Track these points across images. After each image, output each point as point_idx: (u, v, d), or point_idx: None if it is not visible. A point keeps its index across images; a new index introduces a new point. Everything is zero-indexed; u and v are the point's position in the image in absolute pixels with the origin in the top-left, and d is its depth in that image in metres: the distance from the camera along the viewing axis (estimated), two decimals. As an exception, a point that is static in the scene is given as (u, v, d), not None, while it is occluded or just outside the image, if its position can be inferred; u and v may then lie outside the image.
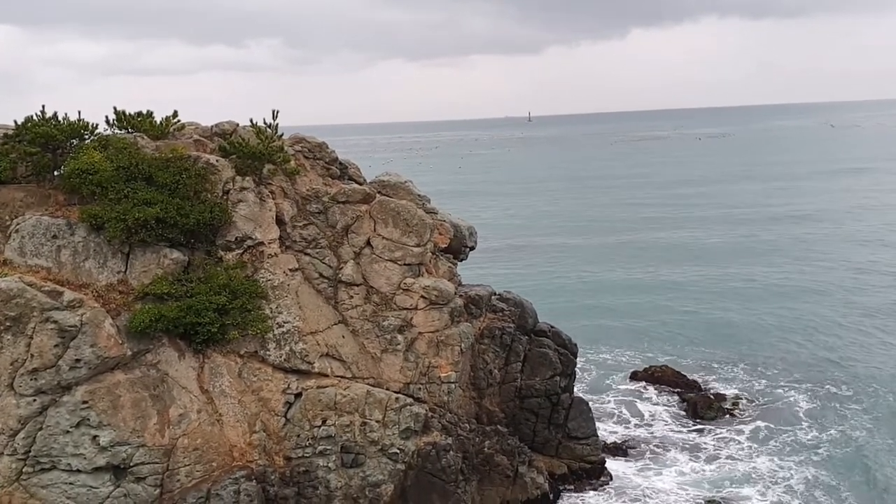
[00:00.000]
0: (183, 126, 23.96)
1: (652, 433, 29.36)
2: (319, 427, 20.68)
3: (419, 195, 26.31)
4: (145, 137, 22.31)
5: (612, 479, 25.71)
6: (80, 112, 21.84)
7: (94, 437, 18.28)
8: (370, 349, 22.37)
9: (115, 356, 18.83)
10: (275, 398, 20.71)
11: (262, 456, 20.17)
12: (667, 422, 30.30)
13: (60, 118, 21.33)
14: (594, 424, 27.10)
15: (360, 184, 26.06)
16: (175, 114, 23.72)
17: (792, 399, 32.15)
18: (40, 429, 18.17)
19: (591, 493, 24.83)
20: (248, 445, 20.08)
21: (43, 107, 21.30)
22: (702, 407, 31.13)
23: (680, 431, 29.44)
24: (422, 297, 22.74)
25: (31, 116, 21.20)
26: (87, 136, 21.52)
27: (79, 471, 18.22)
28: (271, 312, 21.08)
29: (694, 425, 29.96)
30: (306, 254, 22.52)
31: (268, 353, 20.91)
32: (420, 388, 22.52)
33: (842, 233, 64.82)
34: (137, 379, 19.00)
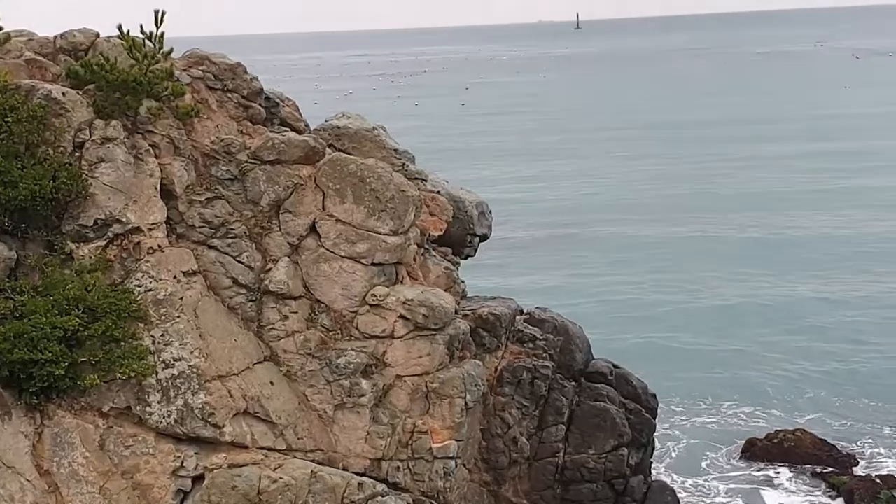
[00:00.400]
0: (7, 37, 23.78)
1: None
2: (233, 532, 20.58)
3: (396, 150, 26.15)
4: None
5: None
6: None
7: None
8: (316, 403, 22.35)
9: None
10: (159, 485, 20.58)
11: (138, 579, 20.06)
12: (810, 525, 30.60)
13: None
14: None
15: (301, 132, 25.88)
16: (-7, 16, 23.55)
17: None
18: None
19: None
20: (116, 562, 19.98)
21: None
22: (863, 497, 31.15)
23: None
24: (401, 317, 22.73)
25: None
26: None
27: None
28: (154, 344, 20.98)
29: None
30: (211, 247, 22.48)
31: (148, 409, 20.80)
32: (399, 468, 22.54)
33: None
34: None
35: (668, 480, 31.74)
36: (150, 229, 21.69)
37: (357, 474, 21.96)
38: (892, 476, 32.23)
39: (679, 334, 47.72)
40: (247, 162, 23.01)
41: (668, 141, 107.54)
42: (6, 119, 21.14)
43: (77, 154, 21.60)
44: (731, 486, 32.84)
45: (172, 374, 20.91)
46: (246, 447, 21.35)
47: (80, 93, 22.21)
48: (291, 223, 22.89)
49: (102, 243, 21.38)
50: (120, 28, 23.41)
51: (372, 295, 22.73)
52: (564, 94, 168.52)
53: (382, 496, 21.75)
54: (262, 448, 21.53)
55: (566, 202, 78.09)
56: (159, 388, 20.82)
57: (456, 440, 22.92)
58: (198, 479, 20.79)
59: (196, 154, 23.08)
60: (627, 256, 61.19)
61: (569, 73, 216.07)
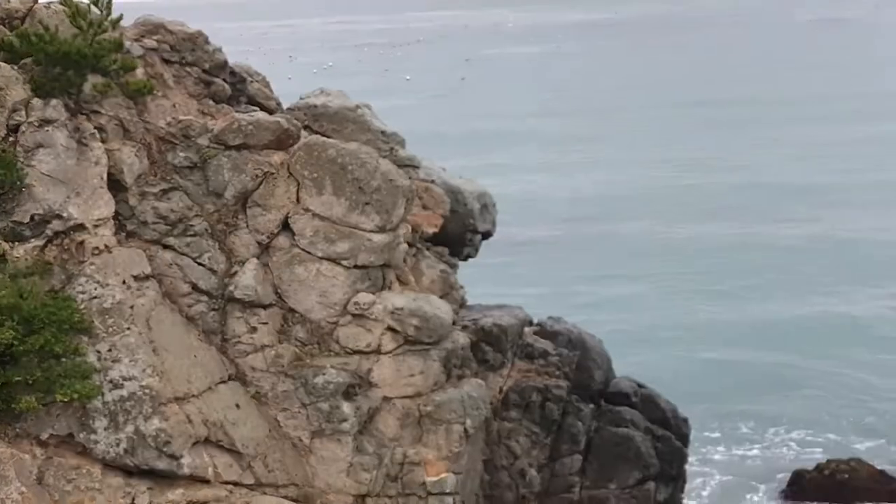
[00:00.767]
0: (-73, 1, 23.80)
1: None
2: (193, 580, 20.64)
3: (384, 133, 26.21)
4: None
5: None
6: None
7: None
8: (290, 430, 22.43)
9: None
10: (107, 524, 20.57)
11: None
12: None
13: None
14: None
15: (272, 112, 25.92)
16: None
17: None
18: None
19: None
20: None
21: None
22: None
23: None
24: (389, 329, 22.80)
25: None
26: None
27: None
28: (100, 360, 21.01)
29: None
30: (167, 246, 22.53)
31: (93, 437, 20.82)
32: (387, 505, 22.54)
33: None
34: None
35: (702, 520, 31.86)
36: (96, 226, 21.64)
37: (338, 513, 22.04)
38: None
39: (715, 349, 47.51)
40: (208, 147, 22.99)
41: (704, 123, 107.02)
42: (-74, 97, 21.18)
43: (11, 139, 21.53)
44: (776, 528, 32.93)
45: (121, 396, 20.87)
46: (207, 481, 21.28)
47: (16, 67, 22.11)
48: (261, 219, 22.90)
49: (40, 243, 21.33)
50: (61, -9, 23.47)
51: (355, 303, 22.74)
52: (582, 68, 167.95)
53: (368, 538, 21.84)
54: (227, 483, 21.47)
55: (584, 195, 77.77)
56: (106, 412, 20.78)
57: (454, 473, 22.91)
58: (151, 519, 20.85)
59: (149, 138, 23.03)
60: (656, 259, 61.00)
61: (587, 42, 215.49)
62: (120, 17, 23.54)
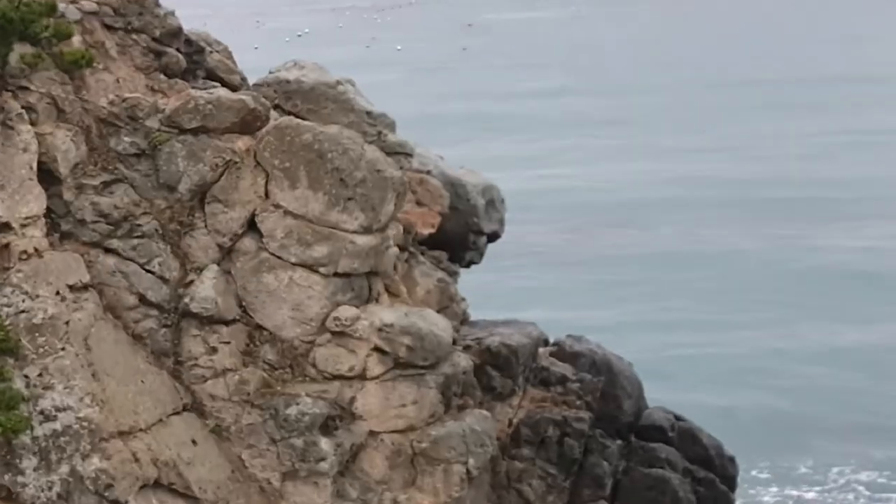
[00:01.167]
0: None
1: None
2: None
3: (370, 114, 26.19)
4: None
5: None
6: None
7: None
8: (257, 471, 22.45)
9: None
10: (36, 585, 20.52)
11: None
12: None
13: None
14: None
15: (236, 88, 25.88)
16: None
17: None
18: None
19: None
20: None
21: None
22: None
23: None
24: (376, 349, 22.82)
25: None
26: None
27: None
28: (28, 387, 20.97)
29: None
30: (109, 250, 22.55)
31: (21, 479, 20.77)
32: (373, 562, 22.58)
33: None
34: None
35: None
36: (24, 226, 21.60)
37: (314, 571, 22.04)
38: None
39: (764, 373, 47.66)
40: (159, 131, 22.96)
41: (744, 105, 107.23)
42: None
43: (-80, 120, 21.59)
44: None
45: (54, 430, 20.80)
46: (158, 532, 21.34)
47: (-75, 34, 22.20)
48: (222, 217, 22.87)
49: (-44, 245, 21.36)
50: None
51: (335, 318, 22.71)
52: (604, 38, 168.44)
53: None
54: (181, 534, 21.52)
55: (608, 191, 77.76)
56: (36, 449, 20.69)
57: (454, 522, 22.97)
58: (90, 578, 20.81)
59: (88, 120, 23.02)
60: (692, 269, 60.89)
61: (610, 7, 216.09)
62: (53, -25, 23.57)
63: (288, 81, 26.45)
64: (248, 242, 22.93)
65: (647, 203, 74.56)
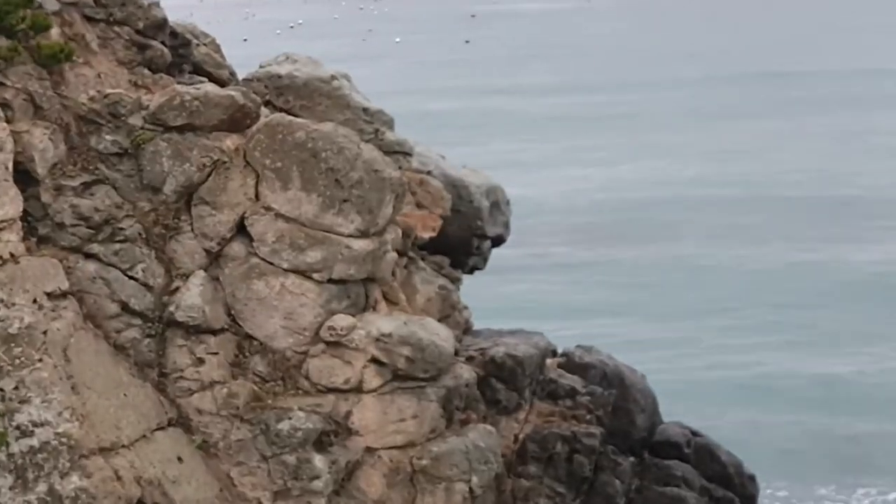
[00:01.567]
0: None
1: None
2: None
3: (367, 110, 26.22)
4: None
5: None
6: None
7: None
8: (247, 490, 22.45)
9: None
10: None
11: None
12: None
13: None
14: None
15: (224, 83, 25.90)
16: None
17: None
18: None
19: None
20: None
21: None
22: None
23: None
24: (373, 360, 22.85)
25: None
26: None
27: None
28: (4, 401, 20.98)
29: None
30: (90, 255, 22.59)
31: (-5, 499, 20.78)
32: (370, 586, 22.62)
33: None
34: None
35: None
36: (0, 229, 21.65)
37: None
38: None
39: (784, 387, 47.63)
40: (143, 129, 23.00)
41: (769, 103, 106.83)
42: None
43: None
44: None
45: (31, 447, 20.79)
46: (141, 555, 21.35)
47: None
48: (209, 220, 22.89)
49: (-73, 250, 21.37)
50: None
51: (330, 327, 22.74)
52: (616, 29, 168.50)
53: None
54: (166, 556, 21.54)
55: (621, 194, 77.31)
56: (12, 466, 20.67)
57: (455, 544, 22.98)
58: None
59: (67, 117, 23.04)
60: (708, 283, 60.42)
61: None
62: (30, -37, 23.61)
63: (279, 76, 26.49)
64: (237, 247, 22.94)
65: (658, 207, 74.29)
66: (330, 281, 22.88)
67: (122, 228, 22.60)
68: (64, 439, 20.97)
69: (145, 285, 22.58)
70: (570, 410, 27.12)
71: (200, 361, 22.54)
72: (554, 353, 29.08)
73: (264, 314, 22.84)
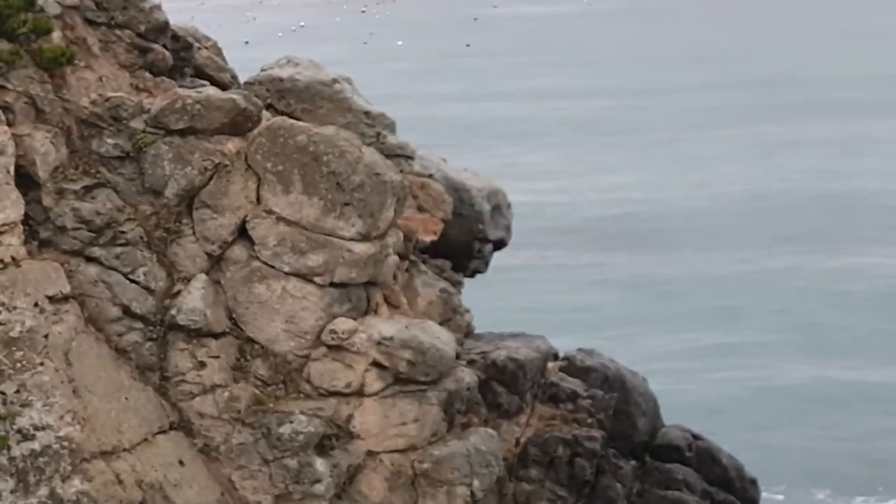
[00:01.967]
0: None
1: None
2: None
3: (368, 114, 26.20)
4: None
5: None
6: None
7: None
8: (249, 493, 22.43)
9: None
10: None
11: None
12: None
13: None
14: None
15: (226, 87, 25.90)
16: None
17: None
18: None
19: None
20: None
21: None
22: None
23: None
24: (375, 364, 22.83)
25: None
26: None
27: None
28: (5, 404, 20.95)
29: None
30: (91, 259, 22.57)
31: (-4, 502, 20.78)
32: (371, 590, 22.62)
33: None
34: None
35: None
36: (0, 233, 21.57)
37: None
38: None
39: (783, 388, 47.63)
40: (144, 132, 22.99)
41: (783, 109, 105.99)
42: None
43: None
44: None
45: (33, 450, 20.78)
46: (143, 559, 21.34)
47: None
48: (211, 223, 22.89)
49: (-72, 254, 21.36)
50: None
51: (331, 331, 22.71)
52: (620, 32, 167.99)
53: None
54: (168, 560, 21.54)
55: (625, 203, 76.76)
56: (13, 470, 20.65)
57: (457, 548, 22.97)
58: None
59: (69, 121, 23.03)
60: (727, 289, 60.07)
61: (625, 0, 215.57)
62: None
63: (281, 79, 26.47)
64: (238, 251, 22.93)
65: (665, 218, 73.89)
66: (331, 284, 22.85)
67: (123, 232, 22.57)
68: (65, 443, 20.92)
69: (147, 289, 22.55)
70: (571, 414, 27.11)
71: (202, 365, 22.53)
72: (555, 357, 29.03)
73: (266, 318, 22.83)
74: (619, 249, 67.41)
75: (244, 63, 28.60)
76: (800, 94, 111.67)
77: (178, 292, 22.66)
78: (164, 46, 25.34)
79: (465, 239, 27.54)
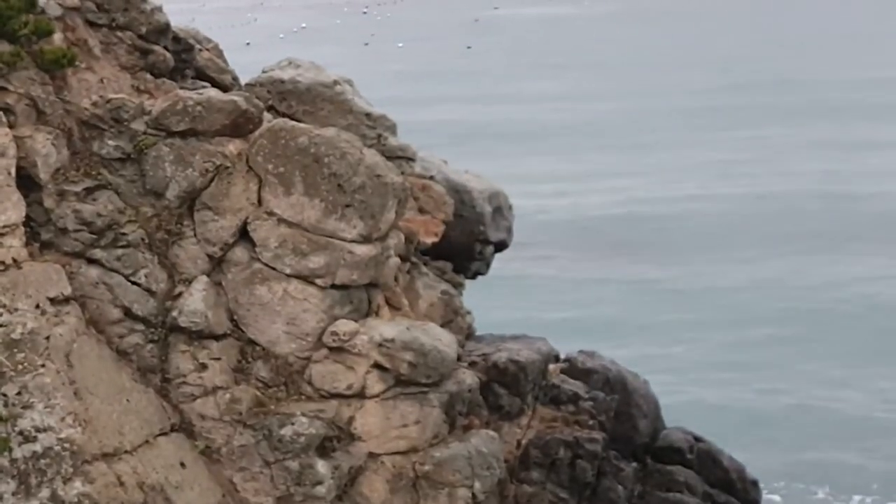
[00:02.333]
0: None
1: None
2: None
3: (369, 116, 26.22)
4: None
5: None
6: None
7: None
8: (250, 495, 22.43)
9: None
10: None
11: None
12: None
13: None
14: None
15: (227, 88, 25.92)
16: None
17: None
18: None
19: None
20: None
21: None
22: None
23: None
24: (376, 366, 22.85)
25: None
26: None
27: None
28: (6, 406, 20.96)
29: None
30: (93, 261, 22.59)
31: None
32: (372, 592, 22.60)
33: None
34: None
35: None
36: (1, 235, 21.60)
37: None
38: None
39: (782, 387, 47.64)
40: (145, 134, 23.02)
41: (796, 112, 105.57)
42: None
43: None
44: None
45: (34, 452, 20.79)
46: (144, 561, 21.33)
47: None
48: (212, 225, 22.91)
49: (-70, 256, 21.36)
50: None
51: (332, 332, 22.73)
52: (621, 34, 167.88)
53: None
54: (169, 562, 21.53)
55: (628, 203, 76.45)
56: (14, 472, 20.67)
57: (458, 550, 22.97)
58: None
59: (70, 122, 23.05)
60: (729, 301, 59.87)
61: (628, 3, 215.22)
62: (32, -32, 23.61)
63: (282, 81, 26.49)
64: (239, 252, 22.95)
65: (676, 217, 73.66)
66: (332, 286, 22.86)
67: (124, 234, 22.59)
68: (67, 445, 20.95)
69: (148, 290, 22.58)
70: (572, 416, 27.12)
71: (203, 367, 22.54)
72: (556, 359, 29.04)
73: (267, 319, 22.84)
74: (620, 252, 67.35)
75: (245, 65, 28.61)
76: (800, 95, 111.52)
77: (180, 294, 22.69)
78: (165, 48, 25.35)
79: (467, 241, 27.56)
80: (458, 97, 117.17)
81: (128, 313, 22.44)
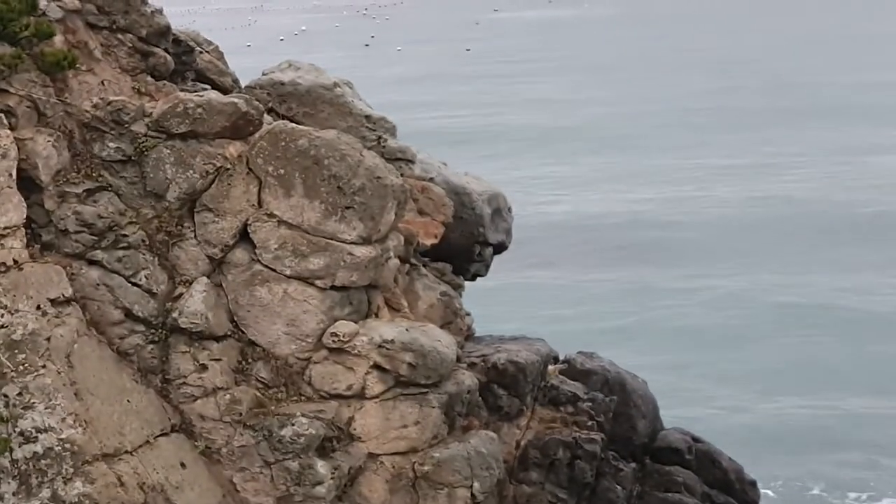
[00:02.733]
0: None
1: None
2: None
3: (369, 118, 26.24)
4: None
5: None
6: None
7: None
8: (250, 496, 22.43)
9: None
10: None
11: None
12: None
13: None
14: None
15: (227, 91, 25.91)
16: None
17: None
18: None
19: None
20: None
21: None
22: None
23: None
24: (376, 367, 22.85)
25: None
26: None
27: None
28: (7, 407, 20.98)
29: None
30: (93, 262, 22.60)
31: (-2, 505, 20.78)
32: (371, 592, 22.57)
33: None
34: None
35: None
36: (2, 236, 21.62)
37: None
38: None
39: (777, 388, 47.63)
40: (146, 136, 23.01)
41: (796, 115, 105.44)
42: None
43: None
44: None
45: (35, 453, 20.82)
46: (144, 561, 21.32)
47: None
48: (212, 227, 22.92)
49: (-69, 257, 21.35)
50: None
51: (332, 334, 22.75)
52: (622, 38, 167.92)
53: None
54: (169, 562, 21.52)
55: (628, 207, 76.19)
56: (16, 472, 20.71)
57: (458, 550, 22.94)
58: None
59: (71, 124, 23.06)
60: (757, 314, 59.48)
61: (630, 2, 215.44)
62: (33, -29, 23.62)
63: (282, 83, 26.48)
64: (239, 254, 22.95)
65: (677, 220, 73.38)
66: (332, 288, 22.87)
67: (125, 235, 22.60)
68: (67, 445, 20.96)
69: (148, 292, 22.58)
70: (571, 416, 27.09)
71: (203, 368, 22.54)
72: (555, 360, 29.03)
73: (267, 321, 22.86)
74: (620, 256, 67.30)
75: (246, 67, 28.62)
76: (800, 98, 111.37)
77: (180, 295, 22.68)
78: (166, 50, 25.35)
79: (466, 242, 27.55)
80: (458, 99, 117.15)
81: (128, 314, 22.46)
